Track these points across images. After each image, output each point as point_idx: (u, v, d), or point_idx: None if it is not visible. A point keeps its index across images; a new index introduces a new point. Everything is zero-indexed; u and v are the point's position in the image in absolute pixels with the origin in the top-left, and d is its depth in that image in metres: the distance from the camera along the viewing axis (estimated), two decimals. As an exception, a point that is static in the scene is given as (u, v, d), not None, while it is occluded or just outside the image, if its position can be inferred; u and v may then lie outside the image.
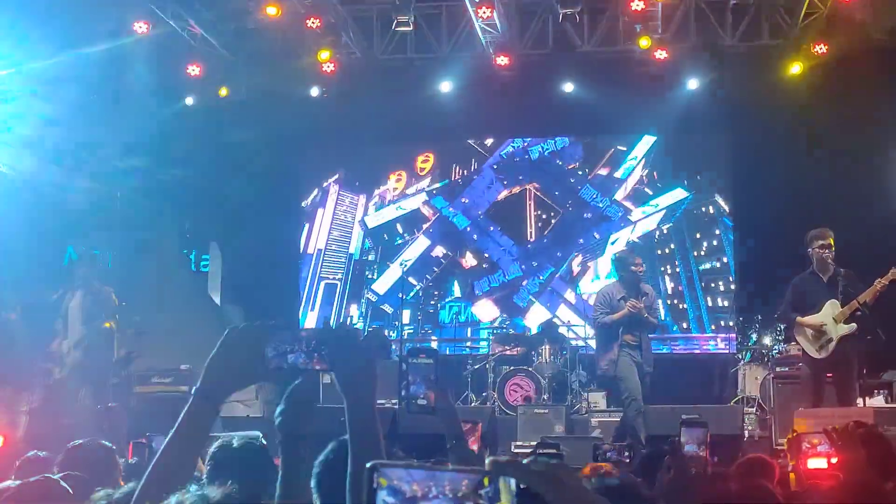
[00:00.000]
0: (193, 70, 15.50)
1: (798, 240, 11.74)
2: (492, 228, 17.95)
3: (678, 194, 17.37)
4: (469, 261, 17.85)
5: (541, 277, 17.57)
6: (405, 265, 17.63)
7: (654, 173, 17.53)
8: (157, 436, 6.73)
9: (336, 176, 18.31)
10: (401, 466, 1.91)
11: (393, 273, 17.90)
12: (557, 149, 17.93)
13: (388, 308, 17.82)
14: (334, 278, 18.15)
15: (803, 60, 15.12)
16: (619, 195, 17.63)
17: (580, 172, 17.84)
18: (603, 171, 17.73)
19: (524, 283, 17.52)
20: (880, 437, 5.74)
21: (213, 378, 3.03)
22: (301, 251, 18.21)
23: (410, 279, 17.64)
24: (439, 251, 17.96)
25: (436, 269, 17.89)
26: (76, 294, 12.40)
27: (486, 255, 17.82)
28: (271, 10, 13.82)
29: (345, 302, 18.06)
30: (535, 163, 17.99)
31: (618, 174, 17.67)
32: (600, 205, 17.63)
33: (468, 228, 17.95)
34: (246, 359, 3.04)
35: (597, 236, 17.61)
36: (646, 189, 17.58)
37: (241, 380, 3.13)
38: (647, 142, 17.54)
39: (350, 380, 3.05)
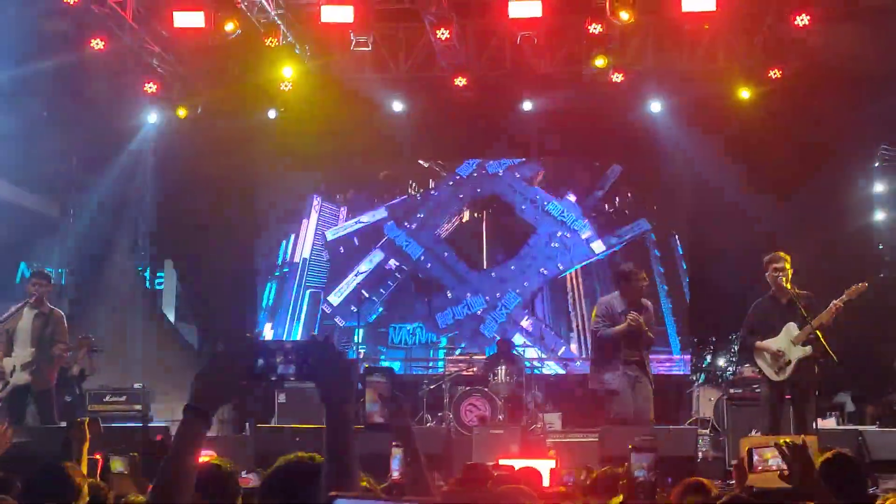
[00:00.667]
0: (150, 87, 15.39)
1: (753, 262, 11.82)
2: (446, 254, 17.99)
3: (642, 225, 17.53)
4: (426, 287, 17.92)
5: (507, 308, 17.66)
6: (359, 276, 17.68)
7: (617, 200, 17.66)
8: (113, 455, 6.63)
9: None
10: (360, 497, 1.91)
11: (347, 285, 17.90)
12: (516, 164, 18.06)
13: (339, 321, 17.81)
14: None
15: (757, 85, 15.28)
16: (584, 228, 17.78)
17: (544, 190, 17.95)
18: (571, 198, 17.84)
19: (491, 313, 17.57)
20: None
21: (204, 393, 3.13)
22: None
23: (363, 292, 17.63)
24: (394, 263, 17.99)
25: (391, 284, 17.90)
26: (27, 312, 12.20)
27: (444, 285, 17.86)
28: (229, 27, 13.74)
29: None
30: (496, 178, 18.07)
31: (579, 201, 17.81)
32: (567, 221, 17.73)
33: (421, 257, 18.00)
34: (234, 372, 3.17)
35: (560, 267, 17.71)
36: (613, 217, 17.72)
37: (230, 392, 3.26)
38: (613, 171, 17.68)
39: (331, 392, 3.17)
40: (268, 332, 17.65)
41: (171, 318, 17.72)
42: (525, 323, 17.57)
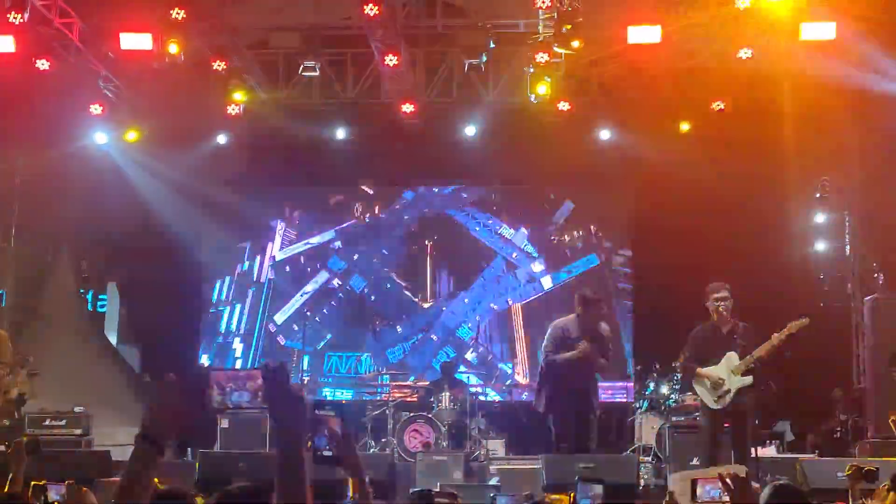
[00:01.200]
0: (96, 109, 15.28)
1: (696, 291, 11.94)
2: (391, 286, 18.02)
3: (591, 261, 17.66)
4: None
5: (462, 341, 17.71)
6: (304, 296, 17.66)
7: (567, 238, 17.80)
8: (53, 484, 6.58)
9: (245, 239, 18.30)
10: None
11: (292, 305, 17.87)
12: (466, 190, 18.16)
13: (281, 339, 17.78)
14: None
15: (702, 118, 15.48)
16: (536, 262, 17.89)
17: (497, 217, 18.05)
18: (524, 231, 17.95)
19: (444, 349, 17.61)
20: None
21: (156, 423, 3.13)
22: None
23: (307, 311, 17.61)
24: (337, 282, 18.02)
25: (334, 304, 17.91)
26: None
27: (392, 318, 17.89)
28: (172, 48, 13.68)
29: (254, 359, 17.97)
30: (447, 198, 18.17)
31: (532, 235, 17.95)
32: (519, 252, 17.81)
33: (366, 290, 18.01)
34: (187, 402, 3.16)
35: (509, 302, 17.80)
36: (566, 253, 17.87)
37: (183, 422, 3.24)
38: (566, 207, 17.82)
39: (285, 419, 3.16)
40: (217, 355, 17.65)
41: (114, 341, 17.55)
42: (470, 355, 17.62)
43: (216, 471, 10.99)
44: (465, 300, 17.87)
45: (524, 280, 17.87)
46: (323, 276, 18.10)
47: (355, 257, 18.15)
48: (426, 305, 17.95)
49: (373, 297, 18.04)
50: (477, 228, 18.02)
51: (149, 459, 3.14)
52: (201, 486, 10.87)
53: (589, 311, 11.99)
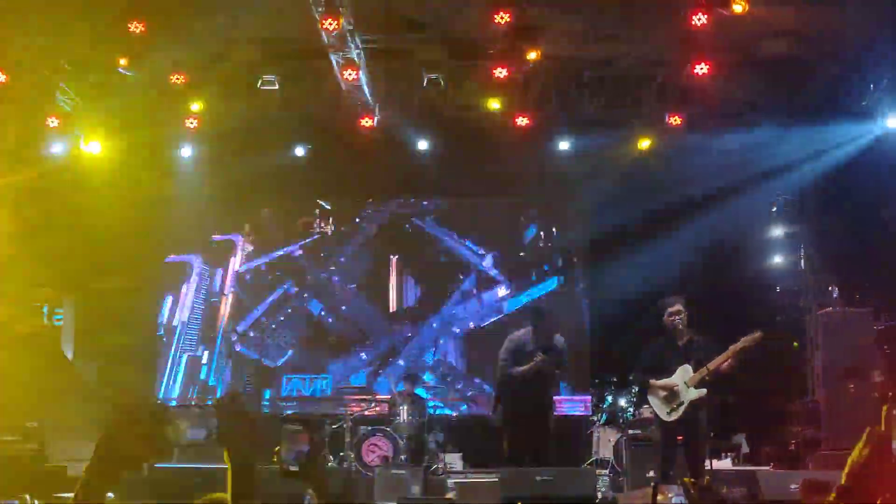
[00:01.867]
0: (53, 122, 15.19)
1: (653, 304, 12.00)
2: (344, 308, 17.99)
3: (550, 284, 17.72)
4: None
5: (425, 365, 17.76)
6: (263, 305, 17.64)
7: (532, 257, 17.88)
8: (6, 501, 6.53)
9: (198, 253, 18.23)
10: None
11: (252, 315, 17.88)
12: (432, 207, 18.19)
13: (238, 346, 17.79)
14: (195, 353, 17.95)
15: (657, 132, 15.60)
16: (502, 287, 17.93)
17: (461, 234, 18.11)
18: (491, 256, 18.00)
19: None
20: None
21: (108, 456, 3.08)
22: (166, 323, 18.00)
23: (263, 318, 17.58)
24: (295, 288, 18.05)
25: (290, 310, 17.87)
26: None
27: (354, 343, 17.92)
28: (122, 62, 13.61)
29: (212, 371, 17.87)
30: (413, 213, 18.22)
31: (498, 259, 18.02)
32: (486, 274, 17.85)
33: (322, 312, 18.00)
34: (142, 437, 3.12)
35: (471, 326, 17.82)
36: (531, 276, 17.95)
37: (136, 460, 3.22)
38: (531, 230, 17.91)
39: (238, 449, 3.16)
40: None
41: (70, 355, 17.40)
42: (429, 375, 17.63)
43: (171, 486, 10.92)
44: (434, 325, 17.83)
45: (488, 301, 17.89)
46: (281, 296, 18.05)
47: (308, 278, 18.09)
48: (392, 327, 17.92)
49: (330, 320, 18.00)
50: (446, 239, 18.05)
51: (96, 493, 3.11)
52: (156, 499, 10.82)
53: (543, 325, 12.05)
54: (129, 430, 3.17)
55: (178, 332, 17.96)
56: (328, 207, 18.26)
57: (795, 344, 16.38)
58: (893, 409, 2.79)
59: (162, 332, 17.95)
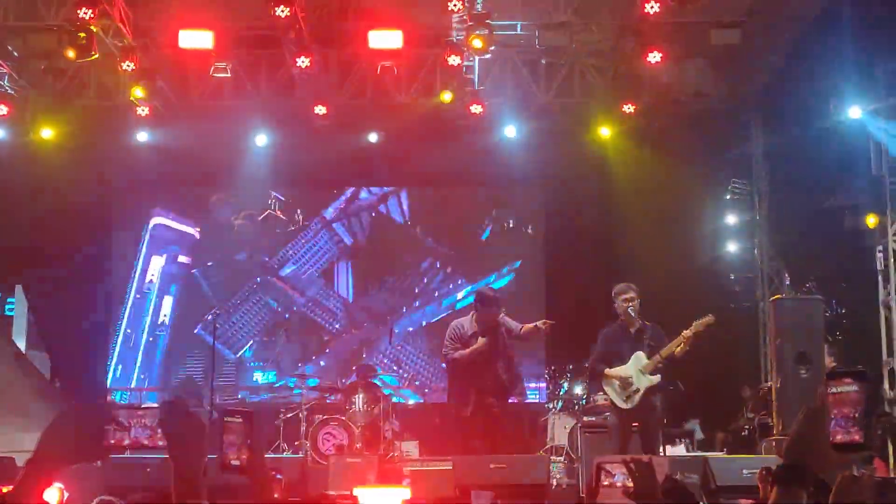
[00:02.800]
0: (1, 109, 15.02)
1: (608, 292, 12.03)
2: (302, 299, 18.00)
3: (508, 277, 17.74)
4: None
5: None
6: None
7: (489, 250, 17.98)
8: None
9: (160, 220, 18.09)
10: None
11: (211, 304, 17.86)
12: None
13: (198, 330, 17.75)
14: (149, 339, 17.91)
15: (613, 121, 15.65)
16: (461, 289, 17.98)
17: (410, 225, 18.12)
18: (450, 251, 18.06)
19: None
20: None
21: (48, 452, 3.05)
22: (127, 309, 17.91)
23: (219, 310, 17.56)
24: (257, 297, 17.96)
25: (250, 302, 17.80)
26: None
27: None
28: (70, 54, 13.44)
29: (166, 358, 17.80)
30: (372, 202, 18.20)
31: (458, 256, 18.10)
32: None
33: (279, 305, 18.06)
34: (83, 436, 3.11)
35: (423, 324, 17.82)
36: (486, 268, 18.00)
37: (77, 455, 3.19)
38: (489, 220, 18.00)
39: (182, 449, 3.13)
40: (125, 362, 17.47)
41: (22, 345, 17.25)
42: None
43: (124, 475, 10.82)
44: (391, 318, 17.80)
45: (444, 296, 17.91)
46: (241, 286, 18.01)
47: (266, 268, 18.03)
48: (348, 317, 17.88)
49: (287, 315, 17.94)
50: (410, 224, 18.05)
51: (34, 486, 3.07)
52: (107, 492, 10.73)
53: (486, 309, 11.94)
54: (72, 430, 3.15)
55: (129, 318, 17.81)
56: (282, 198, 18.13)
57: (749, 332, 16.53)
58: (829, 387, 2.82)
59: (124, 321, 17.78)
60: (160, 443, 2.79)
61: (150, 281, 17.95)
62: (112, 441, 2.72)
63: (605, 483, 5.95)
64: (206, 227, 18.10)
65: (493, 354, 11.78)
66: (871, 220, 14.39)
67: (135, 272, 17.94)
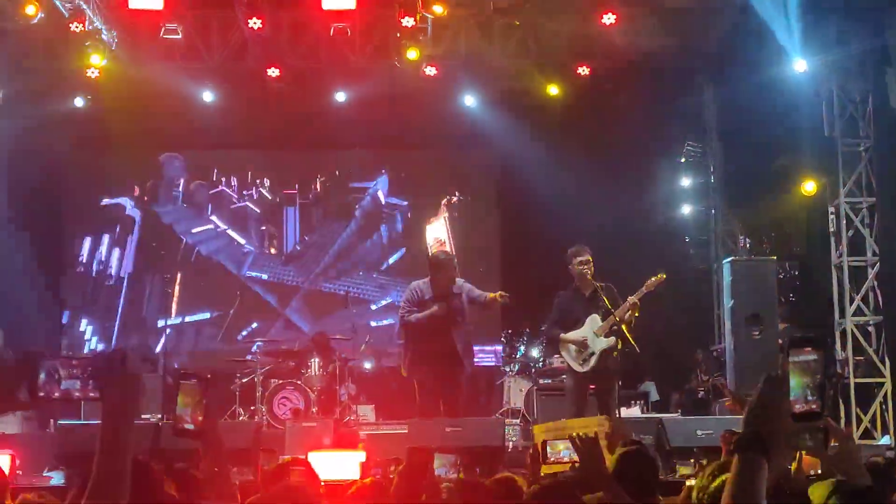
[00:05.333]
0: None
1: (563, 254, 12.03)
2: (263, 264, 17.88)
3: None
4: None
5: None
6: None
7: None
8: None
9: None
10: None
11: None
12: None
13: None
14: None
15: (565, 81, 15.60)
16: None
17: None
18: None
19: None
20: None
21: None
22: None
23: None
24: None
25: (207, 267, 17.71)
26: None
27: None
28: (30, 10, 13.24)
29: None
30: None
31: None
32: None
33: (241, 271, 17.98)
34: (12, 385, 3.03)
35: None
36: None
37: (5, 402, 3.12)
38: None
39: (114, 406, 3.06)
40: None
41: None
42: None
43: (77, 443, 10.74)
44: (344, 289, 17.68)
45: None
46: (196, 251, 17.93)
47: (223, 235, 17.94)
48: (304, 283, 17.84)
49: (247, 275, 17.84)
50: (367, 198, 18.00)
51: None
52: (60, 459, 10.67)
53: (438, 273, 11.88)
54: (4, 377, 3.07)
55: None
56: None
57: (704, 294, 16.63)
58: (788, 355, 2.82)
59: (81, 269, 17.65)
60: (91, 395, 2.74)
61: (101, 266, 17.77)
62: (42, 393, 2.69)
63: (552, 459, 5.95)
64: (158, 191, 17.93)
65: (449, 321, 11.72)
66: (809, 186, 14.49)
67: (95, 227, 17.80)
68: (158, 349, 16.25)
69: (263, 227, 18.07)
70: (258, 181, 18.06)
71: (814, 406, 2.84)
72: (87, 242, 17.78)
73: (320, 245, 18.03)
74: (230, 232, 18.00)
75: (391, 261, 17.99)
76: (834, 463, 3.81)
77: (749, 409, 2.92)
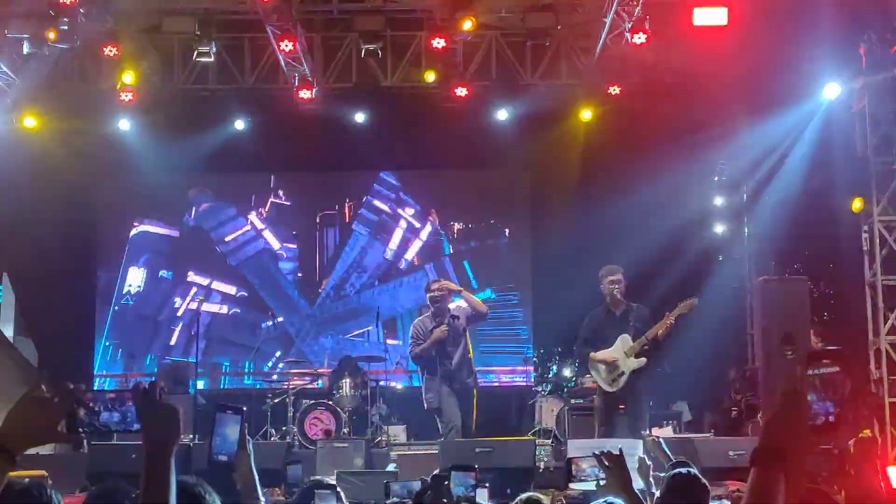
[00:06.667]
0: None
1: (595, 274, 12.02)
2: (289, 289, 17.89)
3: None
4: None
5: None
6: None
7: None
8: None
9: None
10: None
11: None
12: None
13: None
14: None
15: (597, 102, 15.58)
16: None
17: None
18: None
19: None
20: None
21: (13, 431, 3.00)
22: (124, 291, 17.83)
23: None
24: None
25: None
26: None
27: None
28: (51, 35, 13.37)
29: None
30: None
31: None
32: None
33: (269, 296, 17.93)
34: (51, 417, 3.05)
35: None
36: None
37: (44, 435, 3.13)
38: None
39: (155, 440, 3.10)
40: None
41: (10, 333, 17.16)
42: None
43: (106, 464, 10.80)
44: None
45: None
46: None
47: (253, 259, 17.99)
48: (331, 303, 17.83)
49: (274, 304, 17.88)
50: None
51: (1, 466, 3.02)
52: (91, 479, 10.72)
53: (438, 306, 12.16)
54: (36, 412, 3.09)
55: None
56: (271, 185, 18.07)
57: (737, 313, 16.52)
58: (808, 369, 2.80)
59: (116, 306, 17.71)
60: (131, 429, 2.77)
61: (128, 292, 17.84)
62: (81, 430, 2.71)
63: (577, 477, 5.95)
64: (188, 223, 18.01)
65: (449, 341, 11.93)
66: (857, 205, 14.36)
67: (117, 279, 17.86)
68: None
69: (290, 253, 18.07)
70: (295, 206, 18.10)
71: (835, 419, 2.82)
72: (120, 266, 17.84)
73: (350, 265, 18.01)
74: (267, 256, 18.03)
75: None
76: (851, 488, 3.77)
77: (767, 422, 2.90)
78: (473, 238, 17.86)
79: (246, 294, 17.77)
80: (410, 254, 17.91)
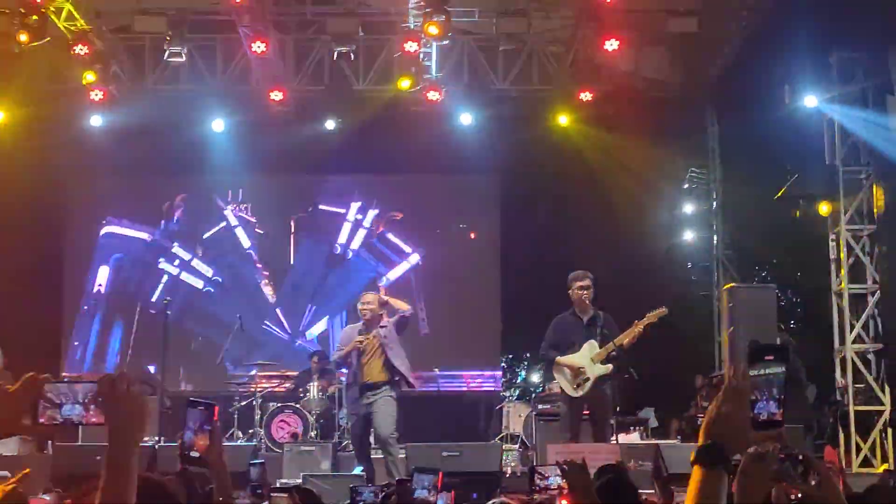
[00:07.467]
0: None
1: (564, 280, 12.03)
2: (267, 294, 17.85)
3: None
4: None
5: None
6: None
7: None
8: None
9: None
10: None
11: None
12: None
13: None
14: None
15: (570, 109, 15.61)
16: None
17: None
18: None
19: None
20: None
21: None
22: (93, 291, 17.68)
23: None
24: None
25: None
26: None
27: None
28: (23, 38, 13.28)
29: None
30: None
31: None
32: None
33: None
34: (13, 410, 3.00)
35: None
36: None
37: (7, 428, 3.08)
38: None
39: (120, 429, 3.04)
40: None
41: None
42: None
43: (71, 465, 10.73)
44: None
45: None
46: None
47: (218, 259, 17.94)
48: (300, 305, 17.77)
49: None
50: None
51: None
52: (55, 481, 10.63)
53: (366, 319, 11.70)
54: (1, 402, 3.05)
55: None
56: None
57: (705, 320, 16.58)
58: (750, 366, 2.80)
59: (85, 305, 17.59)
60: (94, 420, 2.72)
61: (98, 291, 17.73)
62: (42, 419, 2.67)
63: (540, 486, 5.96)
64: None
65: (377, 348, 11.63)
66: (824, 209, 14.45)
67: (85, 280, 17.75)
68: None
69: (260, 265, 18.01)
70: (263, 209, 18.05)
71: (777, 415, 2.81)
72: (88, 266, 17.71)
73: (312, 270, 17.94)
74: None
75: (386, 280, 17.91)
76: (813, 493, 3.77)
77: (708, 421, 2.85)
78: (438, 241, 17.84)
79: (221, 280, 17.73)
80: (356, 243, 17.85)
